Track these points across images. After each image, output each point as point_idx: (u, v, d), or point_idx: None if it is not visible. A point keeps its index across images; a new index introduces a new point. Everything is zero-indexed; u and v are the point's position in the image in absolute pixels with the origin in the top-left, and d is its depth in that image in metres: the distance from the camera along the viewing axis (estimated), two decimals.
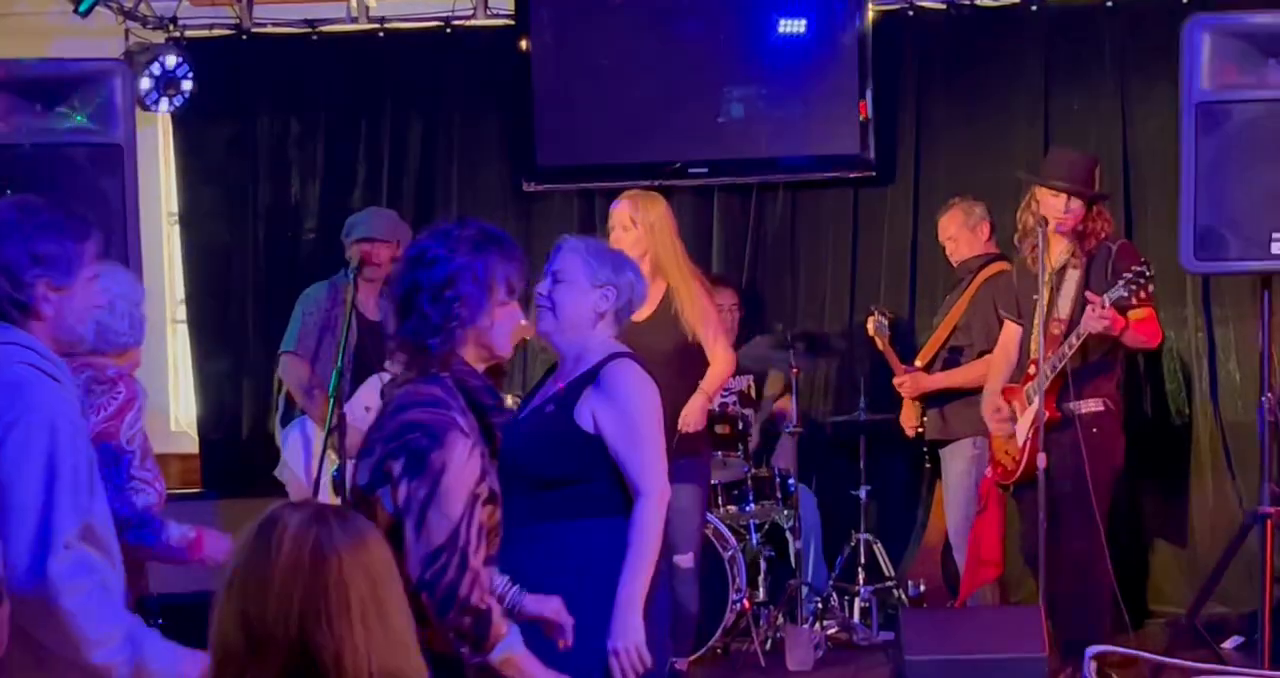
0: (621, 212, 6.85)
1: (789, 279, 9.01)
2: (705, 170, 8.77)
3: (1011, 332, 7.18)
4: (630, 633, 4.35)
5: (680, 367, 6.84)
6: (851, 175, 8.80)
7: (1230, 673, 3.93)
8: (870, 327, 8.01)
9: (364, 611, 2.39)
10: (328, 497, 7.04)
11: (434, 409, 3.67)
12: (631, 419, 4.49)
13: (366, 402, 7.27)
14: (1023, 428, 6.91)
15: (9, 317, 3.54)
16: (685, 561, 6.86)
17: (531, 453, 4.50)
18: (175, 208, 9.22)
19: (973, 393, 7.58)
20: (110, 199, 6.77)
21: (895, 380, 8.01)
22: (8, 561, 3.31)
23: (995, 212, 8.00)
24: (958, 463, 7.79)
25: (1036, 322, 6.79)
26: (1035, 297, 6.82)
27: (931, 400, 7.94)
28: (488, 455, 3.75)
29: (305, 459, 7.25)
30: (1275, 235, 6.39)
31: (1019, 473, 6.92)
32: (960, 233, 8.02)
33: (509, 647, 3.67)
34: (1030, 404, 6.80)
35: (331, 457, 7.07)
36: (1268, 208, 6.42)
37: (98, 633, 3.40)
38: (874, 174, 8.75)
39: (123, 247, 6.70)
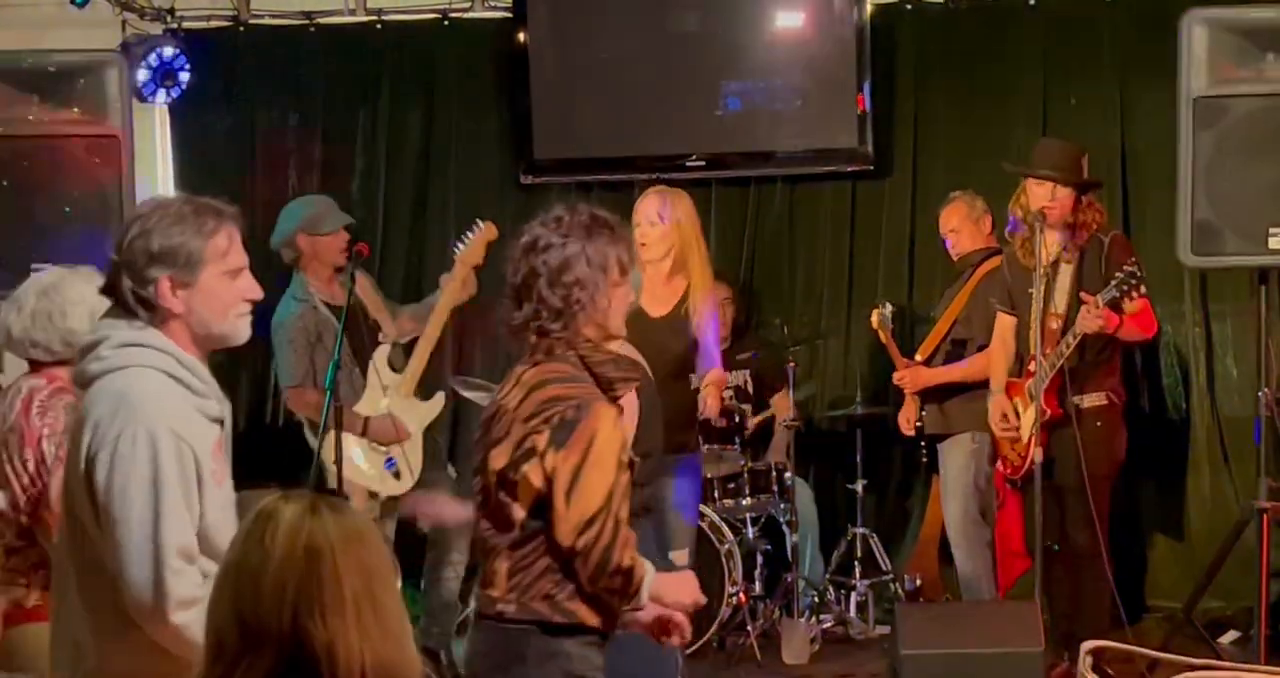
0: (649, 206, 6.83)
1: (786, 273, 9.01)
2: (703, 164, 8.77)
3: (1006, 323, 7.17)
4: None
5: (685, 369, 6.85)
6: (849, 169, 8.80)
7: (1226, 668, 3.92)
8: (874, 319, 7.98)
9: (358, 604, 2.40)
10: (389, 487, 7.11)
11: (571, 384, 3.85)
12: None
13: (383, 381, 7.26)
14: (1027, 424, 6.91)
15: (140, 315, 3.53)
16: (680, 557, 6.85)
17: None
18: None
19: (972, 388, 7.59)
20: (107, 190, 6.77)
21: (895, 376, 8.00)
22: (123, 574, 3.37)
23: (993, 206, 8.00)
24: (956, 457, 7.78)
25: (1033, 316, 6.79)
26: (1030, 290, 6.81)
27: (930, 395, 7.93)
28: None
29: (356, 459, 7.17)
30: (1272, 230, 6.39)
31: (1025, 468, 6.92)
32: (963, 226, 8.02)
33: (649, 585, 3.90)
34: (1033, 401, 6.80)
35: (378, 448, 7.04)
36: (1265, 202, 6.42)
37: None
38: (872, 168, 8.75)
39: None
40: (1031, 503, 6.93)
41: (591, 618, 3.89)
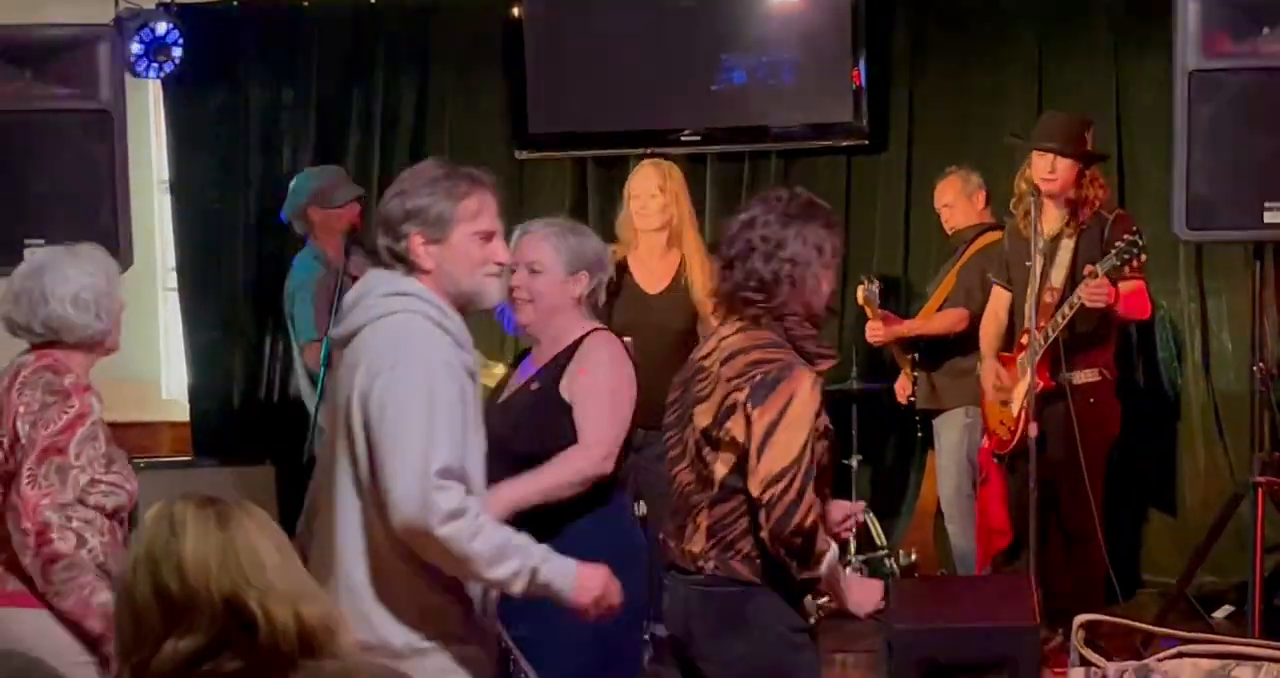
0: (649, 178, 6.83)
1: None
2: (698, 138, 8.75)
3: (1000, 297, 7.15)
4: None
5: (686, 344, 6.80)
6: (844, 143, 8.77)
7: (1221, 643, 3.92)
8: (860, 295, 7.95)
9: (277, 566, 2.48)
10: None
11: (774, 350, 4.09)
12: (598, 383, 4.57)
13: None
14: (1017, 398, 6.90)
15: (396, 267, 3.82)
16: None
17: (518, 430, 4.55)
18: (166, 175, 9.18)
19: (964, 360, 7.58)
20: (100, 166, 6.76)
21: (868, 326, 7.94)
22: (393, 492, 3.58)
23: (988, 181, 7.98)
24: (950, 433, 7.78)
25: (1030, 290, 6.78)
26: (1027, 263, 6.80)
27: (921, 368, 7.92)
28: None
29: None
30: (1268, 204, 6.37)
31: (1014, 443, 6.91)
32: (957, 200, 7.99)
33: (831, 564, 4.06)
34: (1025, 375, 6.79)
35: None
36: (1260, 177, 6.41)
37: (484, 554, 3.61)
38: (867, 142, 8.72)
39: (112, 215, 6.69)
40: (1015, 479, 6.94)
41: (786, 578, 4.08)
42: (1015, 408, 6.90)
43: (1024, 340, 6.85)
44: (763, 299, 4.11)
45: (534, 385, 4.65)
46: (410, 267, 3.79)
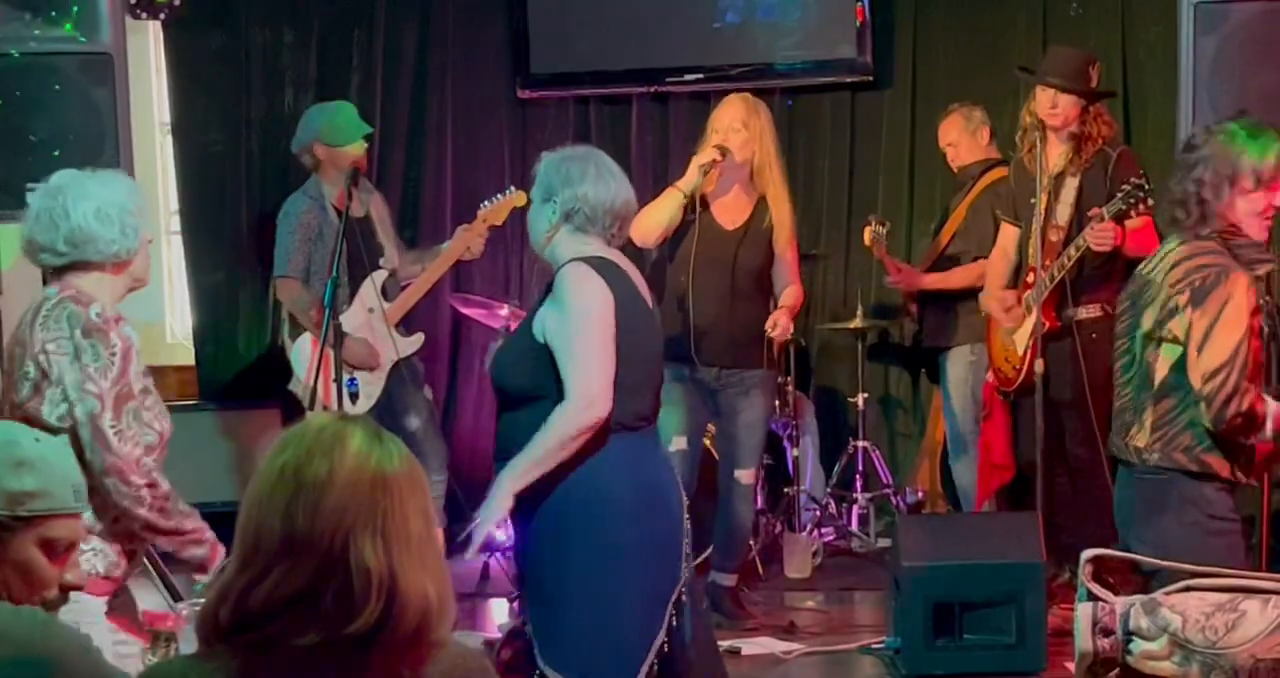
0: (734, 112, 6.70)
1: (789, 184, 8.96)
2: (701, 76, 8.70)
3: (1009, 234, 7.12)
4: (489, 512, 4.33)
5: (759, 283, 6.77)
6: (849, 80, 8.75)
7: (1227, 576, 3.92)
8: (867, 236, 7.94)
9: (421, 541, 2.38)
10: (349, 409, 6.99)
11: (1215, 255, 4.55)
12: (570, 322, 4.30)
13: (369, 303, 7.27)
14: (1022, 336, 6.88)
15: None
16: (746, 476, 6.79)
17: (500, 368, 4.48)
18: (168, 118, 9.15)
19: (969, 298, 7.56)
20: (101, 109, 6.74)
21: (889, 279, 7.98)
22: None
23: (993, 116, 7.95)
24: (956, 370, 7.76)
25: (1035, 228, 6.75)
26: (1032, 201, 6.77)
27: (928, 306, 7.91)
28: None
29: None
30: None
31: (1019, 381, 6.90)
32: (961, 138, 7.96)
33: (1275, 415, 4.53)
34: (1030, 313, 6.78)
35: (345, 368, 7.00)
36: (1265, 109, 6.32)
37: None
38: (871, 79, 8.70)
39: (114, 157, 6.67)
40: (1019, 416, 6.93)
41: (1224, 469, 4.56)
42: (1020, 346, 6.89)
43: (1029, 278, 6.83)
44: (1183, 216, 4.62)
45: (517, 327, 4.57)
46: None
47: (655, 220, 6.63)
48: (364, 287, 7.27)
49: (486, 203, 7.36)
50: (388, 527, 2.35)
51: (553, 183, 4.46)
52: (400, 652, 2.35)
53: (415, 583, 2.35)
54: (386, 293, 7.35)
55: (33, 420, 4.12)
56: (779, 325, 6.61)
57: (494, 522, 4.36)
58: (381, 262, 7.38)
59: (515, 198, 7.27)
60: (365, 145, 7.44)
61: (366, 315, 7.28)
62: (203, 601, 2.53)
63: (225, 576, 2.38)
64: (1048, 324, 6.67)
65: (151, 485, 4.21)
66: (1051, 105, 6.76)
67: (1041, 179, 6.69)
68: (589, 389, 4.26)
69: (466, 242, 7.33)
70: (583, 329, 4.29)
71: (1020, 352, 6.89)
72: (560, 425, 4.27)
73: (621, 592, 4.31)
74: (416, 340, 7.50)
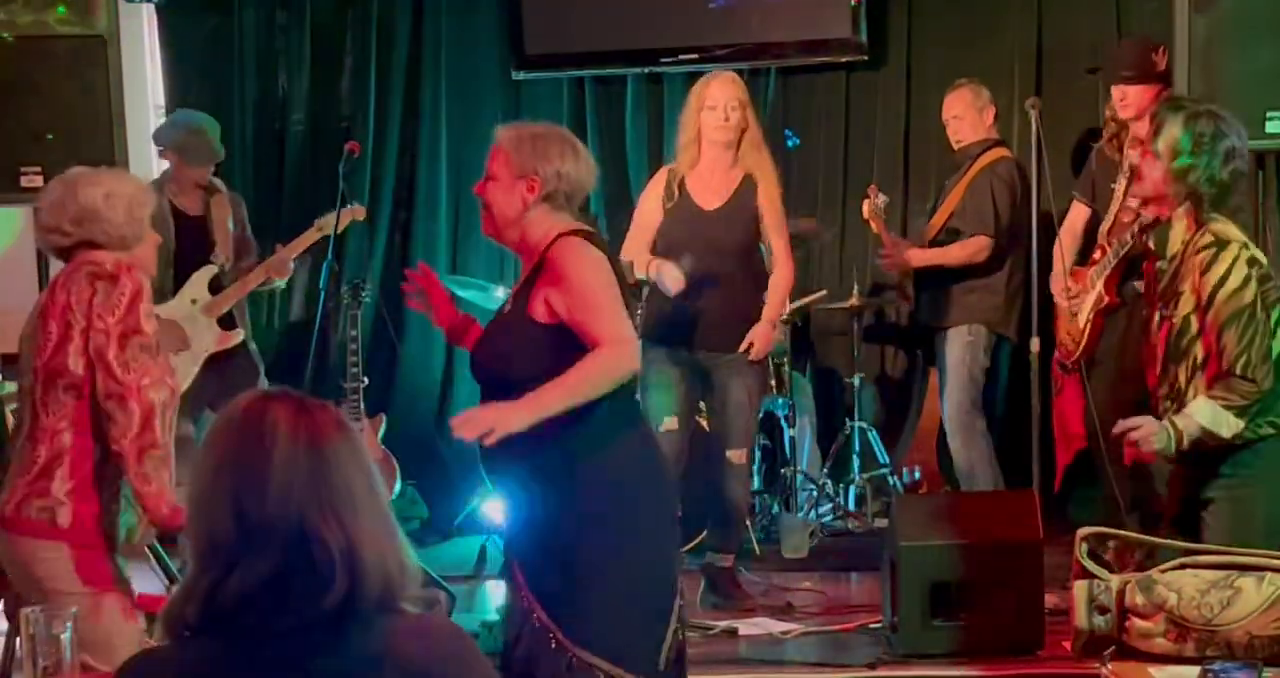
0: (728, 90, 6.64)
1: (780, 165, 8.92)
2: (695, 56, 8.69)
3: (1079, 212, 7.19)
4: (504, 420, 4.06)
5: (744, 262, 6.74)
6: (843, 60, 8.74)
7: (1222, 554, 3.93)
8: (866, 208, 7.78)
9: (367, 503, 2.38)
10: None
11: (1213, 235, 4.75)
12: (581, 287, 4.20)
13: (194, 295, 7.44)
14: (1085, 310, 6.95)
15: None
16: (738, 456, 6.79)
17: (494, 355, 4.33)
18: (162, 101, 9.14)
19: (966, 278, 7.56)
20: (96, 92, 6.73)
21: (883, 253, 7.86)
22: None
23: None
24: (953, 350, 7.74)
25: (1112, 210, 6.86)
26: (1112, 185, 6.90)
27: (926, 286, 7.89)
28: None
29: None
30: (1270, 114, 6.37)
31: (1079, 353, 6.96)
32: (967, 112, 7.86)
33: None
34: (1094, 288, 6.86)
35: None
36: (1262, 86, 6.39)
37: None
38: (865, 58, 8.69)
39: (109, 139, 6.67)
40: (1092, 385, 6.98)
41: None
42: (1082, 320, 6.96)
43: (1096, 256, 6.93)
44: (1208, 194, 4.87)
45: (506, 307, 4.44)
46: None
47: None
48: (193, 279, 7.50)
49: (321, 217, 7.65)
50: (334, 498, 2.35)
51: (525, 161, 4.35)
52: (372, 621, 2.35)
53: (370, 545, 2.36)
54: (218, 288, 7.59)
55: (59, 374, 4.29)
56: (755, 346, 6.65)
57: (511, 430, 4.04)
58: (212, 257, 7.60)
59: (355, 212, 7.65)
60: (210, 169, 7.73)
61: (189, 306, 7.49)
62: None
63: (187, 577, 2.39)
64: (1107, 299, 6.79)
65: (146, 420, 4.25)
66: (1121, 98, 6.93)
67: (1123, 166, 6.83)
68: (623, 333, 4.20)
69: (284, 260, 7.63)
70: (596, 287, 4.22)
71: (1081, 325, 6.96)
72: (605, 362, 4.15)
73: (645, 566, 4.28)
74: (235, 337, 7.64)
